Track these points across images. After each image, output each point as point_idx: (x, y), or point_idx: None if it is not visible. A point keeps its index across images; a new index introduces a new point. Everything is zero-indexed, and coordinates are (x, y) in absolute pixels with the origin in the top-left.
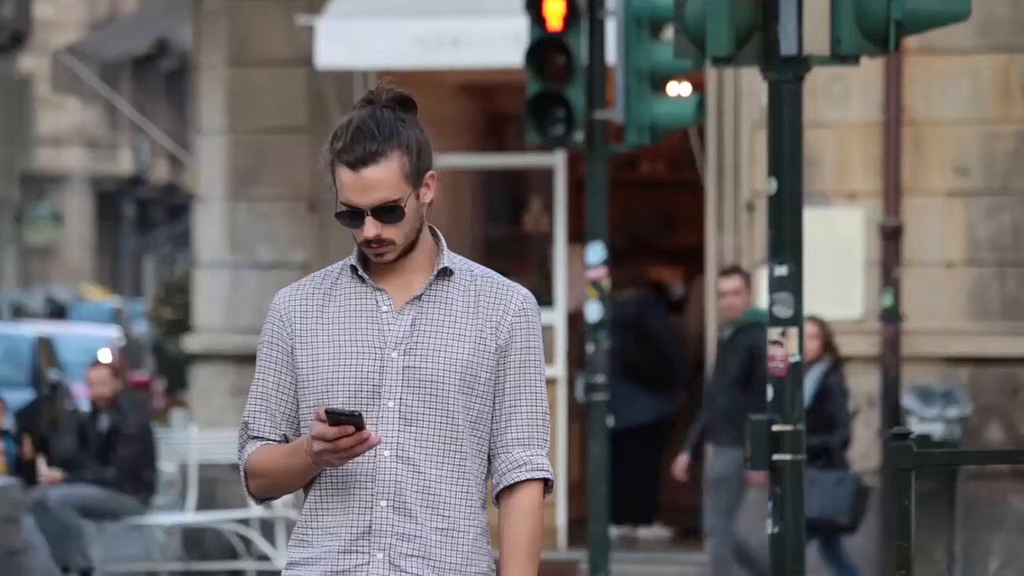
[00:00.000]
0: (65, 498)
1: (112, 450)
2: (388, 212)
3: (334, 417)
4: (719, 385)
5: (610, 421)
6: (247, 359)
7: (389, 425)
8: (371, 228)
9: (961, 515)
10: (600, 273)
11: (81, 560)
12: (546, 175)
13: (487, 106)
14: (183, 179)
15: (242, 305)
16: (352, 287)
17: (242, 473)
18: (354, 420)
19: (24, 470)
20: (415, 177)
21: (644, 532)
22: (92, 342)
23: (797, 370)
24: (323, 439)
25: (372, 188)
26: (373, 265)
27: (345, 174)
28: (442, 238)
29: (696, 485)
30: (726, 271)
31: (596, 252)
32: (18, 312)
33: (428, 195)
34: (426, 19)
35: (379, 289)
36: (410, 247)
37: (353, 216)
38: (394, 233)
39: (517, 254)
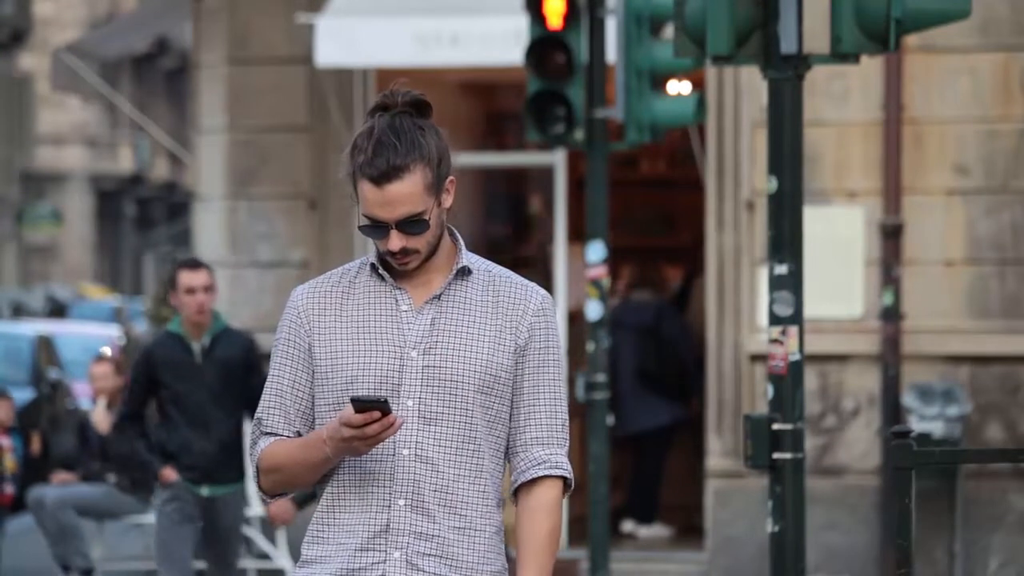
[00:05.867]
0: (63, 497)
1: (111, 447)
2: (412, 225)
3: (360, 404)
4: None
5: (610, 420)
6: None
7: (408, 424)
8: (396, 241)
9: (961, 514)
10: (600, 272)
11: (81, 560)
12: (546, 174)
13: (487, 104)
14: (183, 178)
15: (242, 304)
16: (371, 285)
17: (254, 469)
18: (380, 406)
19: (31, 467)
20: (437, 187)
21: (644, 531)
22: (92, 341)
23: (797, 368)
24: (350, 425)
25: (396, 203)
26: None
27: (368, 189)
28: (460, 238)
29: (696, 484)
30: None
31: (596, 251)
32: (18, 311)
33: (448, 200)
34: (426, 17)
35: (399, 288)
36: (432, 252)
37: (377, 229)
38: (418, 243)
39: (517, 253)
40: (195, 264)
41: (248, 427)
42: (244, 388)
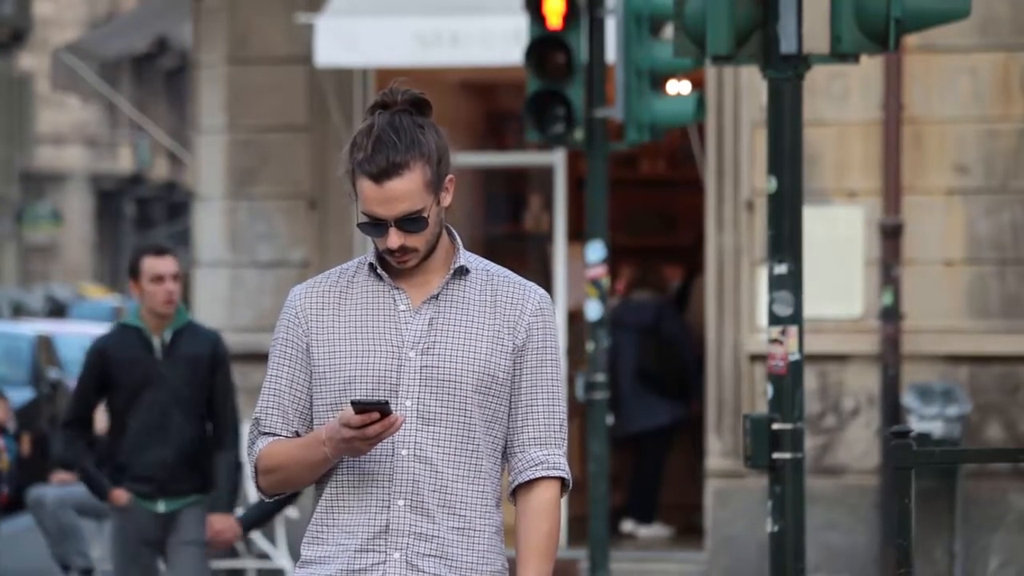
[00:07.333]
0: (63, 497)
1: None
2: (411, 222)
3: (360, 406)
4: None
5: (610, 420)
6: (247, 357)
7: (407, 424)
8: (395, 239)
9: (961, 514)
10: (600, 271)
11: (81, 560)
12: (546, 173)
13: (487, 104)
14: (183, 178)
15: (242, 304)
16: (369, 285)
17: (252, 469)
18: (380, 407)
19: (23, 468)
20: (436, 185)
21: (644, 531)
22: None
23: (797, 368)
24: (349, 426)
25: (395, 200)
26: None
27: (367, 186)
28: (458, 237)
29: (696, 484)
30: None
31: (596, 250)
32: (18, 311)
33: (447, 199)
34: (426, 17)
35: (397, 288)
36: (430, 251)
37: (376, 226)
38: (417, 241)
39: (517, 253)
40: (161, 250)
41: (210, 433)
42: (208, 389)
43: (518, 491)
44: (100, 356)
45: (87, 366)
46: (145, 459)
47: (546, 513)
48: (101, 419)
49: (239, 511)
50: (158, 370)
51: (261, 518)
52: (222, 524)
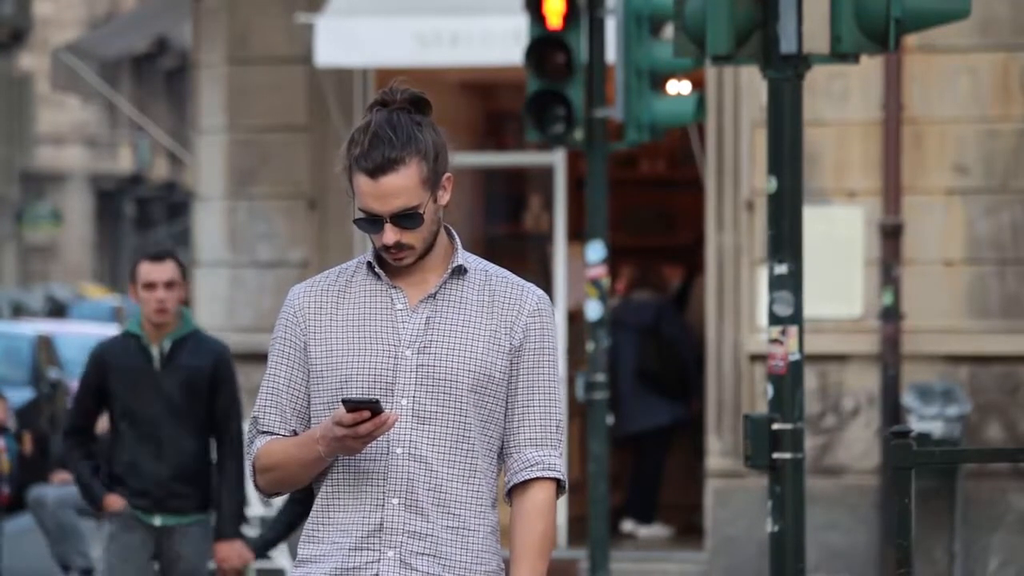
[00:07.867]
0: (63, 497)
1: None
2: (407, 219)
3: (351, 405)
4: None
5: (610, 420)
6: (247, 357)
7: (402, 423)
8: (390, 235)
9: (961, 514)
10: (600, 271)
11: (81, 560)
12: (546, 173)
13: (487, 104)
14: (183, 178)
15: (242, 304)
16: (367, 284)
17: (250, 467)
18: (371, 405)
19: (24, 467)
20: (433, 182)
21: (644, 531)
22: (92, 341)
23: (797, 368)
24: (341, 424)
25: (391, 196)
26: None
27: (363, 181)
28: (456, 237)
29: (696, 484)
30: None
31: (596, 250)
32: (18, 311)
33: (445, 197)
34: (426, 17)
35: (394, 287)
36: (427, 249)
37: (372, 223)
38: (413, 238)
39: (517, 253)
40: (159, 256)
41: (214, 448)
42: (209, 404)
43: (514, 491)
44: (99, 363)
45: (85, 373)
46: (140, 473)
47: (541, 514)
48: (103, 420)
49: (248, 529)
50: (155, 381)
51: (276, 539)
52: (227, 551)
